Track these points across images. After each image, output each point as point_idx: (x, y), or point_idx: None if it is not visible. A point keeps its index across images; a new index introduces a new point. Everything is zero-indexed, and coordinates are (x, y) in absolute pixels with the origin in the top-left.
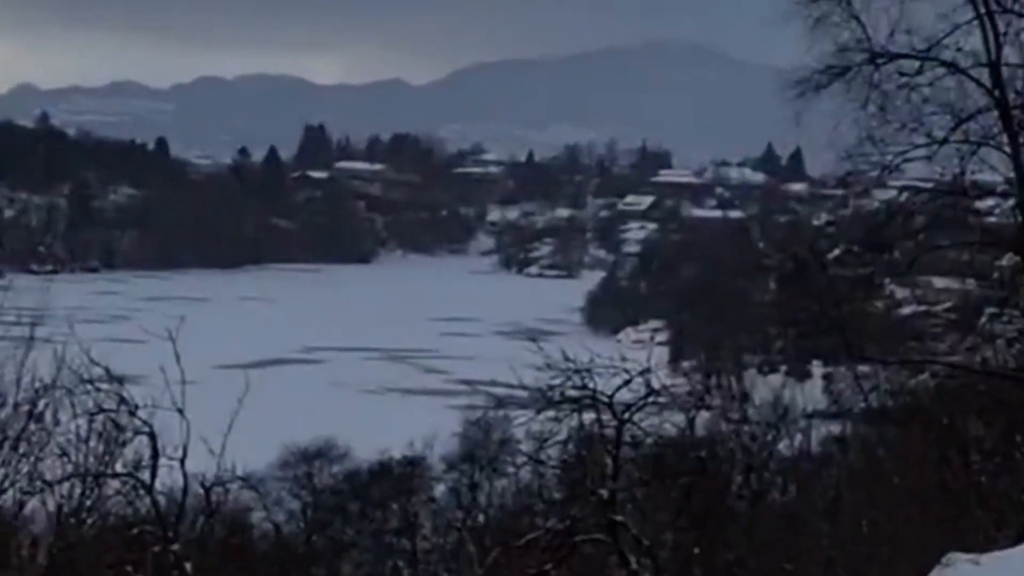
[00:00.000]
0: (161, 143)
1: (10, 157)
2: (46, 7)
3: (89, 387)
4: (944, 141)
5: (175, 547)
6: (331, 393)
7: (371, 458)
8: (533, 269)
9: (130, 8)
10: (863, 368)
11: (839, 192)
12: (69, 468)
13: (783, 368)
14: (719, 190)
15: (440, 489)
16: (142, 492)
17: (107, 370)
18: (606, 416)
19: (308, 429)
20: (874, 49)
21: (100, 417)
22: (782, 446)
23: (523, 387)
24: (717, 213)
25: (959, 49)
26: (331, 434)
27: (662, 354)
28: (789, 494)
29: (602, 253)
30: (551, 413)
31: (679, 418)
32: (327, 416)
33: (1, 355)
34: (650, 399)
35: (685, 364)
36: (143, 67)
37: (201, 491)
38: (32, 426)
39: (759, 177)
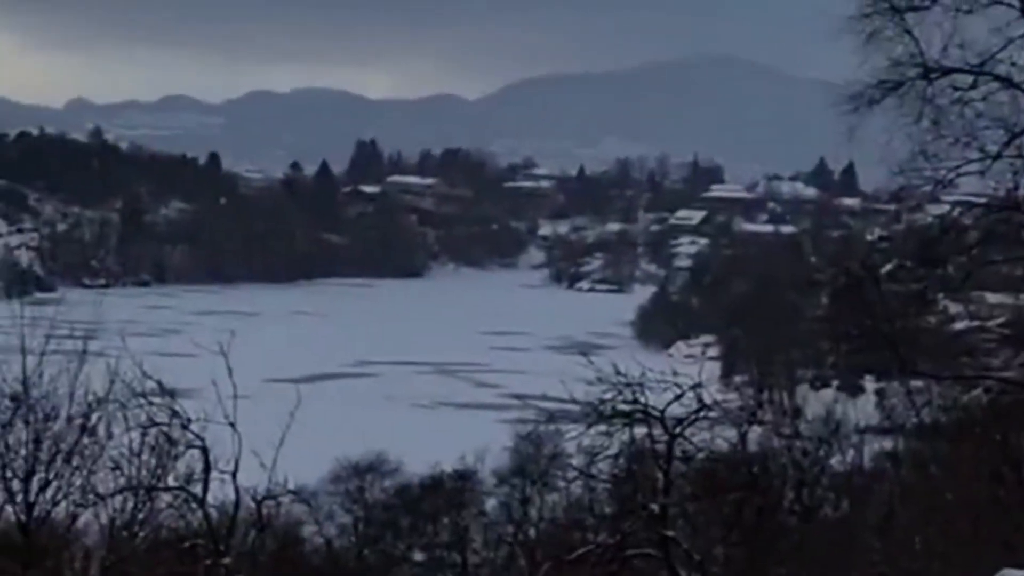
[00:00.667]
0: (213, 157)
1: (64, 171)
2: (101, 22)
3: (142, 401)
4: (997, 156)
5: (226, 560)
6: (383, 407)
7: (422, 472)
8: (584, 283)
9: (183, 24)
10: (915, 383)
11: (892, 207)
12: (122, 481)
13: (835, 383)
14: (771, 204)
15: (491, 503)
16: (194, 505)
17: (159, 384)
18: (657, 431)
19: (359, 443)
20: (927, 64)
21: (152, 430)
22: (834, 461)
23: (574, 401)
24: (769, 228)
25: (1013, 63)
26: (382, 448)
27: (714, 369)
28: (841, 509)
29: (653, 267)
30: (602, 427)
31: (731, 433)
32: (379, 430)
33: (55, 369)
34: (701, 414)
35: (737, 379)
36: (195, 82)
37: (253, 504)
38: (85, 439)
39: (811, 192)
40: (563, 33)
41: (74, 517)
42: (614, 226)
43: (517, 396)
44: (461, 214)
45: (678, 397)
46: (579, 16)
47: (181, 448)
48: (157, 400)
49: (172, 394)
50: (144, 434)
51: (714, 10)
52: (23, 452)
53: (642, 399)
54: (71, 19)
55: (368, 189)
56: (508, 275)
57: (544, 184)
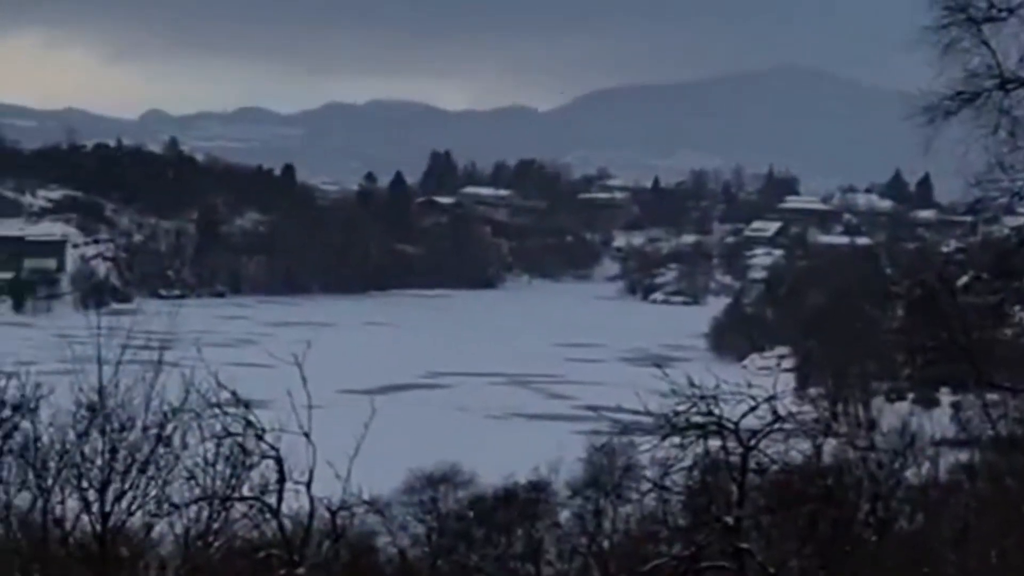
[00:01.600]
0: (288, 169)
1: (140, 182)
2: (178, 34)
3: (216, 411)
4: None
5: (301, 571)
6: (456, 418)
7: (496, 483)
8: (658, 295)
9: (259, 35)
10: (992, 396)
11: (968, 219)
12: (196, 491)
13: (910, 395)
14: (846, 216)
15: (565, 515)
16: (268, 516)
17: (234, 394)
18: (732, 443)
19: (433, 454)
20: (1004, 75)
21: (227, 441)
22: (909, 474)
23: (648, 413)
24: (844, 239)
25: None
26: (456, 459)
27: (788, 381)
28: (916, 522)
29: (728, 279)
30: (676, 439)
31: (805, 445)
32: (452, 441)
33: (131, 379)
34: (776, 426)
35: (812, 391)
36: (271, 93)
37: (327, 515)
38: (160, 449)
39: (887, 203)
40: (637, 44)
41: (149, 527)
42: (689, 238)
43: (591, 408)
44: (535, 225)
45: (753, 409)
46: (653, 27)
47: (256, 458)
48: (232, 410)
49: (247, 404)
50: (219, 444)
51: (789, 21)
52: (99, 462)
53: (716, 411)
54: (148, 31)
55: (442, 200)
56: (582, 287)
57: (618, 195)
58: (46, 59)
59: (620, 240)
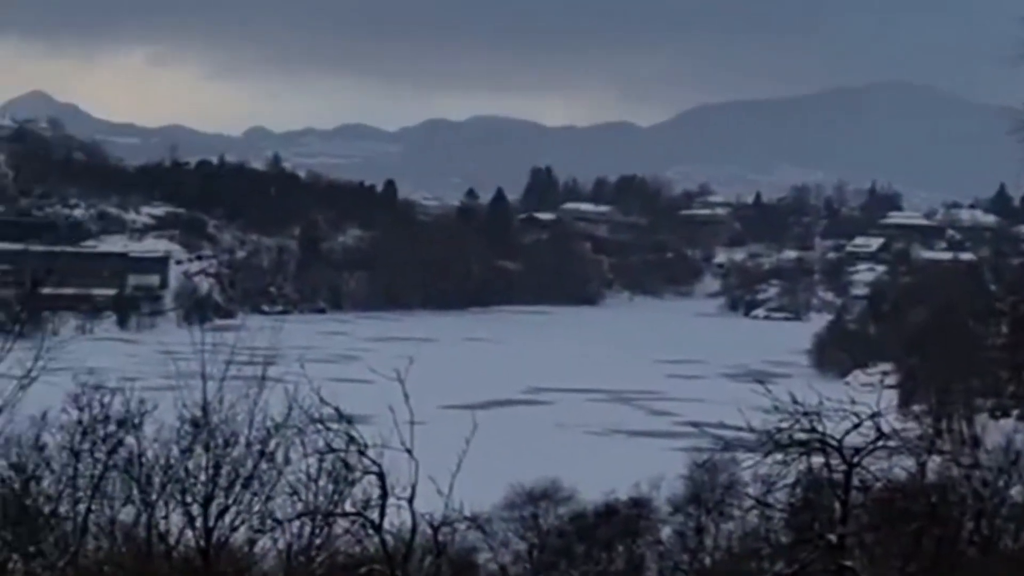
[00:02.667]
0: (390, 185)
1: (243, 199)
2: (280, 51)
3: (319, 427)
4: None
5: None
6: (557, 434)
7: (597, 500)
8: (760, 311)
9: (362, 52)
10: None
11: None
12: (299, 507)
13: (1015, 412)
14: (950, 232)
15: (666, 532)
16: (371, 531)
17: (337, 410)
18: (835, 460)
19: (534, 470)
20: None
21: (330, 456)
22: (1014, 491)
23: (750, 429)
24: (948, 255)
25: None
26: (557, 475)
27: (891, 397)
28: (1021, 540)
29: (830, 295)
30: (779, 456)
31: (909, 463)
32: (553, 457)
33: (234, 395)
34: (880, 443)
35: (915, 408)
36: (372, 110)
37: (429, 531)
38: (263, 465)
39: (991, 219)
40: (737, 60)
41: (252, 542)
42: (790, 253)
43: (692, 424)
44: (636, 242)
45: (856, 426)
46: (754, 43)
47: (358, 474)
48: (335, 426)
49: (349, 420)
50: (321, 460)
51: (891, 36)
52: (203, 477)
53: (819, 428)
54: (251, 48)
55: (543, 216)
56: (683, 303)
57: (720, 211)
58: (150, 77)
59: (721, 256)
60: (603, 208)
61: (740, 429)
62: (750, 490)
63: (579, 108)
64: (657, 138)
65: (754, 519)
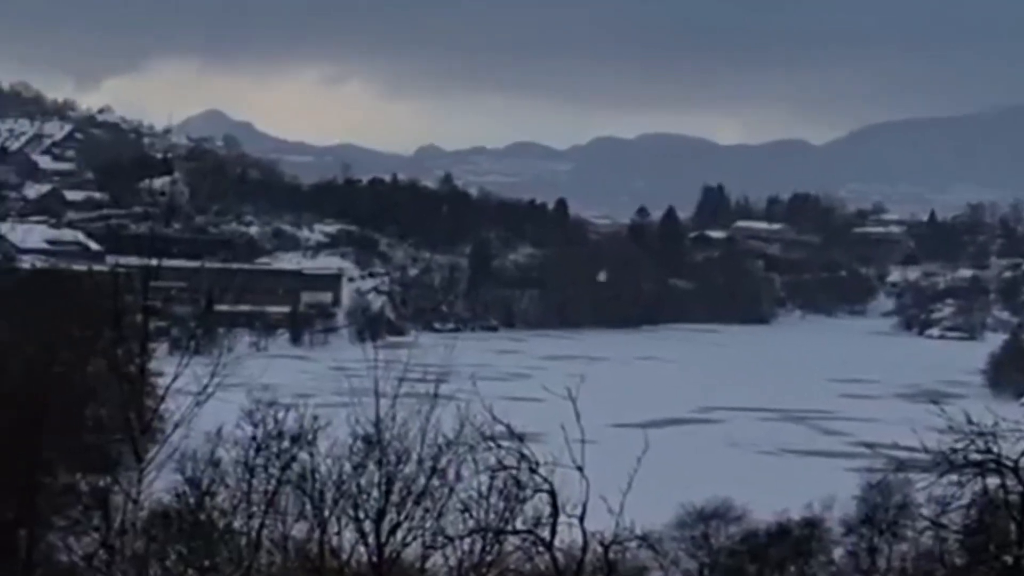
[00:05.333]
0: (560, 203)
1: (414, 217)
2: (451, 70)
3: (491, 444)
4: None
5: None
6: (728, 453)
7: (768, 519)
8: (934, 331)
9: (532, 69)
10: None
11: None
12: (471, 524)
13: None
14: None
15: (838, 552)
16: (542, 549)
17: (508, 427)
18: (1011, 481)
19: (705, 489)
20: None
21: (501, 474)
22: None
23: (924, 450)
24: None
25: None
26: (728, 494)
27: None
28: None
29: (1006, 315)
30: (953, 477)
31: None
32: (724, 476)
33: (406, 411)
34: None
35: None
36: (543, 127)
37: (600, 549)
38: (435, 481)
39: None
40: (911, 77)
41: (424, 558)
42: (965, 272)
43: (866, 444)
44: (809, 260)
45: None
46: (927, 60)
47: (529, 491)
48: (506, 443)
49: (521, 438)
50: (493, 477)
51: None
52: (375, 494)
53: (995, 448)
54: (422, 67)
55: (715, 234)
56: (856, 322)
57: (894, 230)
58: (324, 95)
59: (895, 275)
60: (776, 226)
61: (914, 449)
62: (924, 511)
63: (752, 126)
64: (831, 156)
65: (928, 540)
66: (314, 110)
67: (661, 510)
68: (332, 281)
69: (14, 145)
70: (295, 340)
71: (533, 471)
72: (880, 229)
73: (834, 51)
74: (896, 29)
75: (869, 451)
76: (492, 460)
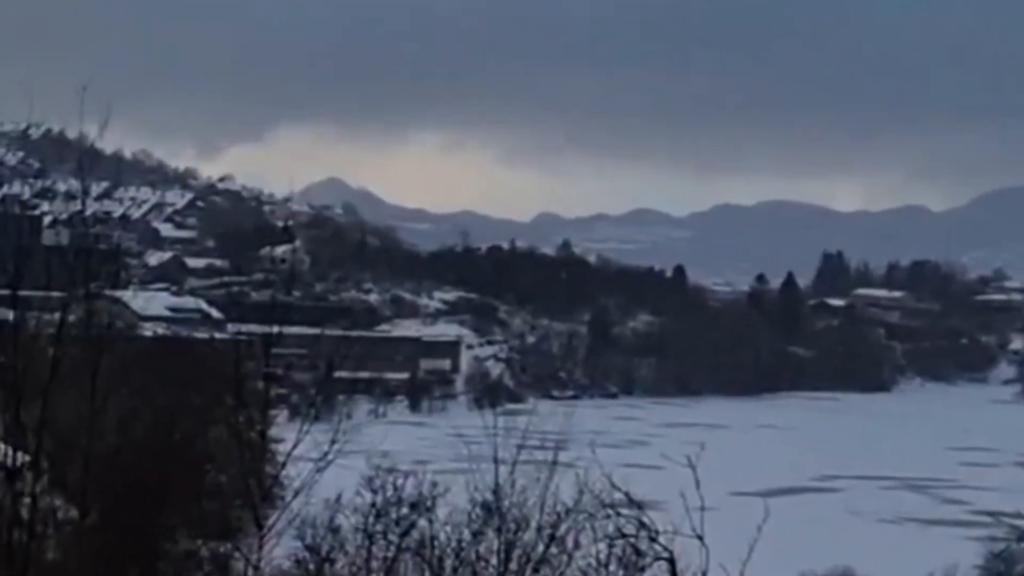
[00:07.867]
0: (679, 270)
1: (533, 284)
2: (571, 134)
3: (610, 512)
4: None
5: None
6: (849, 522)
7: None
8: None
9: (652, 135)
10: None
11: None
12: None
13: None
14: None
15: None
16: None
17: (627, 495)
18: None
19: (826, 558)
20: None
21: (620, 542)
22: None
23: None
24: None
25: None
26: (849, 563)
27: None
28: None
29: None
30: None
31: None
32: (845, 545)
33: (525, 478)
34: None
35: None
36: (662, 194)
37: None
38: (554, 549)
39: None
40: None
41: None
42: None
43: (988, 513)
44: (929, 327)
45: None
46: None
47: (648, 560)
48: (625, 511)
49: (640, 505)
50: (611, 545)
51: None
52: (494, 561)
53: None
54: (540, 134)
55: (834, 302)
56: (977, 390)
57: (1015, 297)
58: (443, 162)
59: (1017, 342)
60: (896, 293)
61: None
62: None
63: (872, 192)
64: (951, 222)
65: None
66: (433, 177)
67: None
68: (451, 348)
69: (136, 213)
70: (414, 407)
71: (652, 539)
72: (1001, 296)
73: (955, 115)
74: (1018, 95)
75: (991, 520)
76: (611, 528)
